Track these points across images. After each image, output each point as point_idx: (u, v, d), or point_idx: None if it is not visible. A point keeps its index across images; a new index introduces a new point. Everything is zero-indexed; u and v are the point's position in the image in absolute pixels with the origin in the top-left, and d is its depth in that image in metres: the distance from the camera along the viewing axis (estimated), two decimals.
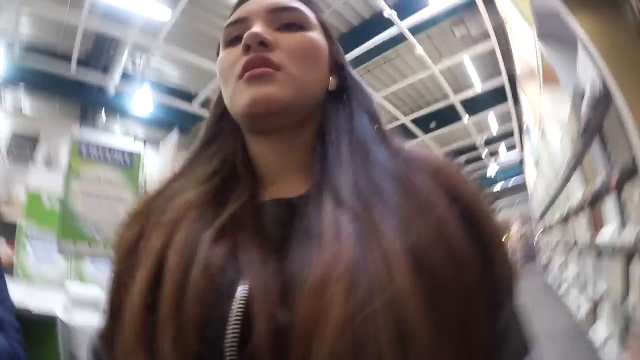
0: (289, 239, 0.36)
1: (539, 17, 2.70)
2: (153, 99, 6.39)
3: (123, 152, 1.56)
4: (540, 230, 9.28)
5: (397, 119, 8.31)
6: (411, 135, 8.83)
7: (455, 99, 7.89)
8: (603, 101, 2.01)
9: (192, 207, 0.40)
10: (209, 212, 0.40)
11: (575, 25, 1.86)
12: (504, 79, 6.98)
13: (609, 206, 2.46)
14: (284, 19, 0.46)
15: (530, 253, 12.90)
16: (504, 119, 9.28)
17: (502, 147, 11.64)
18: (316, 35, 0.48)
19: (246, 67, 0.43)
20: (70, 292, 1.35)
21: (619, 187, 2.19)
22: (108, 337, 0.38)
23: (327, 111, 0.47)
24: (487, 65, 6.87)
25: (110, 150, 1.52)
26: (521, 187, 13.32)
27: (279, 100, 0.42)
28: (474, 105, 8.23)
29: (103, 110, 7.09)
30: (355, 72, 0.52)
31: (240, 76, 0.43)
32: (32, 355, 0.87)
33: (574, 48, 2.62)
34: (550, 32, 2.77)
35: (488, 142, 10.97)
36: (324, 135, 0.45)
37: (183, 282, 0.33)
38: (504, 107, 8.23)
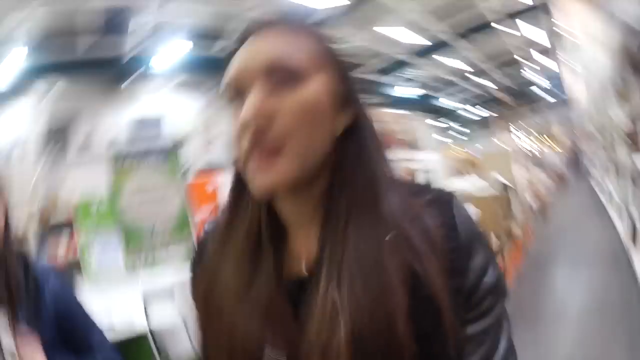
0: (300, 313, 0.43)
1: None
2: (175, 51, 6.17)
3: (158, 152, 1.55)
4: (584, 142, 8.96)
5: (430, 30, 7.89)
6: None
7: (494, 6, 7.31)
8: None
9: (231, 294, 0.47)
10: (245, 296, 0.46)
11: None
12: None
13: None
14: (278, 76, 0.43)
15: (576, 164, 12.53)
16: (542, 26, 8.55)
17: (539, 55, 10.85)
18: (315, 87, 0.44)
19: (247, 152, 0.42)
20: (144, 289, 1.50)
21: None
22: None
23: (337, 158, 0.47)
24: None
25: (146, 153, 1.52)
26: (563, 97, 12.61)
27: (284, 183, 0.42)
28: (513, 14, 7.65)
29: (129, 78, 6.82)
30: (364, 101, 0.50)
31: (246, 160, 0.43)
32: None
33: None
34: None
35: (527, 50, 10.24)
36: (333, 186, 0.46)
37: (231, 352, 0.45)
38: (541, 15, 7.56)
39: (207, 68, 6.92)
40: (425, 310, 0.42)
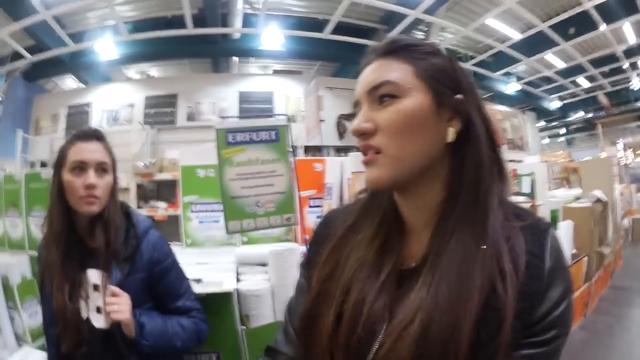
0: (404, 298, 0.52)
1: None
2: (282, 33, 6.13)
3: (269, 130, 1.54)
4: None
5: (534, 26, 7.37)
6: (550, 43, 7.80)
7: (589, 5, 6.64)
8: None
9: (363, 267, 0.55)
10: (373, 273, 0.54)
11: None
12: None
13: None
14: (379, 94, 0.53)
15: None
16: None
17: None
18: (412, 102, 0.52)
19: (362, 152, 0.54)
20: (238, 254, 1.65)
21: None
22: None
23: (450, 166, 0.54)
24: None
25: (256, 131, 1.52)
26: None
27: (383, 180, 0.52)
28: (609, 12, 6.87)
29: (234, 56, 7.05)
30: (481, 110, 0.54)
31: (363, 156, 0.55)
32: (213, 322, 1.14)
33: None
34: None
35: (629, 54, 9.11)
36: (446, 201, 0.53)
37: (354, 323, 0.52)
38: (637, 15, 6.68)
39: (310, 55, 7.00)
40: (488, 322, 0.46)
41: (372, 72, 0.54)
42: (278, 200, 1.60)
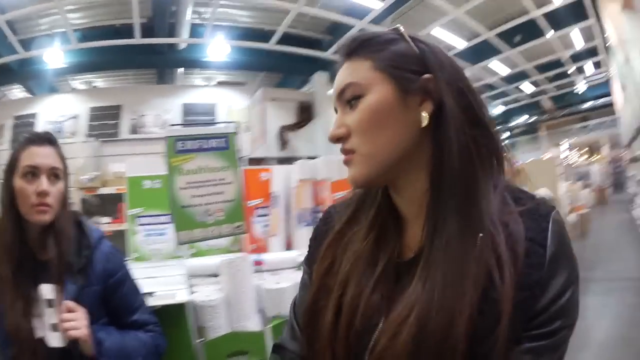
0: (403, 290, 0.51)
1: None
2: (227, 43, 6.20)
3: (218, 137, 1.53)
4: (629, 158, 8.56)
5: (480, 34, 7.75)
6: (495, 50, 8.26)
7: (536, 14, 7.12)
8: None
9: (359, 260, 0.55)
10: (370, 266, 0.54)
11: None
12: None
13: None
14: (346, 98, 0.54)
15: (619, 180, 11.92)
16: (587, 36, 8.23)
17: (589, 64, 10.43)
18: (373, 97, 0.51)
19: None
20: (188, 266, 1.57)
21: None
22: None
23: (431, 151, 0.52)
24: None
25: (206, 138, 1.50)
26: (610, 108, 12.06)
27: (361, 178, 0.53)
28: (556, 20, 7.41)
29: (179, 68, 7.08)
30: (456, 85, 0.51)
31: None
32: (169, 333, 1.12)
33: None
34: None
35: (574, 59, 9.87)
36: (432, 182, 0.51)
37: (352, 317, 0.52)
38: (585, 22, 7.29)
39: (255, 66, 7.00)
40: (486, 315, 0.45)
41: (338, 77, 0.55)
42: (228, 209, 1.57)
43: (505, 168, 0.54)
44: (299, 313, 0.62)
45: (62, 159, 0.98)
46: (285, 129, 7.21)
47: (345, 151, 0.54)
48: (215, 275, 1.58)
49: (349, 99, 0.53)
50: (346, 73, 0.54)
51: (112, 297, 1.00)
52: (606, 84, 11.40)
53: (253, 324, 1.36)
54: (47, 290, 0.87)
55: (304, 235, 2.09)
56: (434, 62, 0.52)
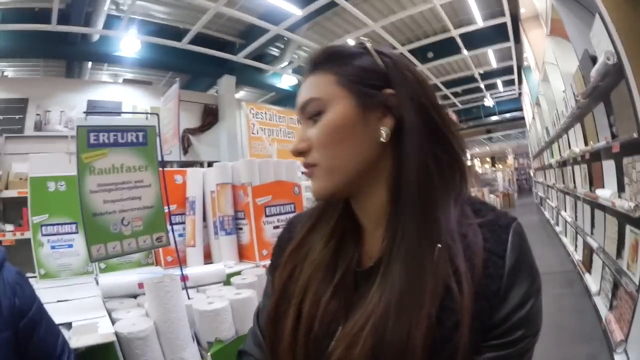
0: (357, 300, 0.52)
1: None
2: (140, 39, 5.96)
3: (136, 131, 1.32)
4: (535, 166, 9.55)
5: (394, 49, 8.10)
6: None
7: (455, 33, 7.65)
8: (614, 75, 2.06)
9: (318, 268, 0.55)
10: (328, 274, 0.54)
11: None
12: (507, 18, 6.72)
13: (609, 170, 2.61)
14: (308, 113, 0.54)
15: (525, 186, 13.37)
16: (503, 56, 9.08)
17: (499, 81, 11.53)
18: (334, 113, 0.52)
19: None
20: (103, 287, 1.32)
21: (620, 156, 2.31)
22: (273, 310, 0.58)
23: (391, 165, 0.52)
24: (490, 3, 6.58)
25: (122, 131, 1.28)
26: (517, 122, 13.43)
27: (322, 191, 0.54)
28: (474, 40, 8.02)
29: (89, 61, 6.66)
30: (417, 100, 0.51)
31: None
32: None
33: (588, 14, 2.58)
34: None
35: (486, 76, 10.83)
36: (393, 194, 0.52)
37: (311, 323, 0.52)
38: (503, 44, 8.03)
39: (164, 64, 6.80)
40: (444, 324, 0.44)
41: (302, 91, 0.55)
42: (146, 217, 1.32)
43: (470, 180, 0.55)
44: (262, 319, 0.62)
45: None
46: (188, 131, 6.91)
47: (306, 165, 0.54)
48: (134, 296, 1.33)
49: (310, 114, 0.53)
50: (309, 88, 0.54)
51: (27, 345, 0.73)
52: (514, 100, 12.70)
53: (191, 354, 1.10)
54: None
55: (224, 246, 1.87)
56: (397, 77, 0.52)
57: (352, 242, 0.56)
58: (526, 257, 0.48)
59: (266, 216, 1.86)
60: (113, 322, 1.07)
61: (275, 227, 1.88)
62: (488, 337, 0.46)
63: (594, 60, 2.39)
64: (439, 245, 0.46)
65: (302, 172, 0.59)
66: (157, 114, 1.40)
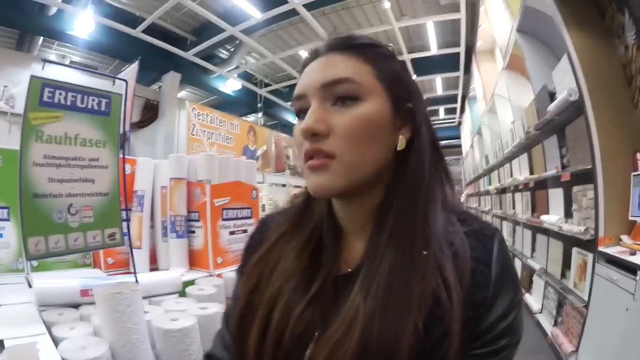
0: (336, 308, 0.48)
1: (525, 13, 2.79)
2: (95, 19, 5.67)
3: (99, 96, 1.08)
4: (467, 192, 10.19)
5: None
6: None
7: (407, 57, 7.98)
8: (573, 110, 2.21)
9: (290, 278, 0.52)
10: (302, 283, 0.51)
11: (569, 40, 1.96)
12: (462, 49, 7.16)
13: (556, 197, 2.79)
14: (336, 93, 0.48)
15: None
16: (449, 84, 9.67)
17: (441, 109, 12.25)
18: (372, 106, 0.48)
19: (306, 156, 0.48)
20: (39, 293, 1.08)
21: (569, 185, 2.48)
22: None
23: (393, 172, 0.51)
24: (447, 32, 6.96)
25: (83, 93, 1.03)
26: (453, 149, 14.34)
27: (335, 187, 0.48)
28: (425, 67, 8.42)
29: (42, 35, 6.20)
30: (428, 119, 0.53)
31: (305, 161, 0.49)
32: None
33: (551, 53, 2.78)
34: (532, 29, 2.88)
35: (429, 102, 11.45)
36: (385, 202, 0.50)
37: (280, 335, 0.49)
38: (452, 73, 8.54)
39: (113, 50, 6.58)
40: (432, 332, 0.43)
41: (327, 66, 0.49)
42: (98, 206, 1.08)
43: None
44: (231, 323, 0.58)
45: None
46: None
47: (319, 152, 0.47)
48: (76, 306, 1.08)
49: (342, 95, 0.48)
50: (342, 65, 0.49)
51: None
52: (453, 128, 13.56)
53: None
54: None
55: (174, 250, 1.66)
56: (417, 92, 0.53)
57: (332, 247, 0.53)
58: (510, 268, 0.49)
59: (223, 219, 1.67)
60: (55, 340, 0.83)
61: (232, 233, 1.70)
62: (474, 345, 0.46)
63: (551, 95, 2.56)
64: (426, 253, 0.46)
65: (306, 163, 0.48)
66: (125, 80, 1.17)
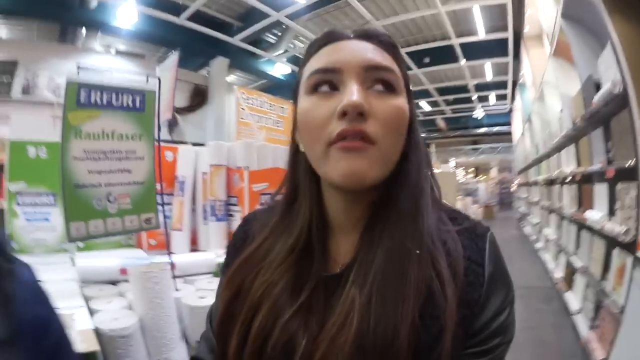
0: (329, 307, 0.48)
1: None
2: (138, 9, 5.82)
3: (133, 93, 1.18)
4: (519, 181, 9.69)
5: None
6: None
7: (455, 41, 7.66)
8: (618, 102, 2.06)
9: (273, 285, 0.50)
10: (288, 289, 0.49)
11: (612, 27, 1.83)
12: (510, 33, 6.77)
13: (601, 193, 2.63)
14: (378, 78, 0.47)
15: (506, 199, 13.58)
16: (499, 70, 9.16)
17: (492, 95, 11.64)
18: (403, 102, 0.49)
19: (342, 136, 0.44)
20: (81, 270, 1.21)
21: (613, 181, 2.33)
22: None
23: (395, 167, 0.50)
24: (494, 17, 6.61)
25: (117, 92, 1.14)
26: (504, 136, 13.60)
27: (371, 177, 0.45)
28: (473, 51, 8.05)
29: (84, 28, 6.47)
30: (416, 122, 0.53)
31: (333, 142, 0.45)
32: None
33: (597, 39, 2.59)
34: (577, 15, 2.69)
35: (479, 88, 10.92)
36: (382, 199, 0.50)
37: (261, 344, 0.47)
38: (502, 59, 8.09)
39: (159, 39, 6.72)
40: (429, 328, 0.43)
41: (368, 51, 0.48)
42: (135, 194, 1.22)
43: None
44: (214, 325, 0.56)
45: None
46: (176, 110, 6.76)
47: (362, 134, 0.44)
48: (114, 283, 1.23)
49: (385, 81, 0.47)
50: (383, 56, 0.49)
51: (37, 341, 0.53)
52: (504, 115, 12.85)
53: (178, 355, 1.02)
54: None
55: (213, 233, 1.79)
56: (411, 93, 0.52)
57: (321, 248, 0.51)
58: (502, 266, 0.49)
59: (261, 204, 1.78)
60: (91, 312, 0.98)
61: None
62: (467, 344, 0.46)
63: (597, 86, 2.39)
64: (420, 245, 0.46)
65: (338, 144, 0.44)
66: (158, 78, 1.29)
